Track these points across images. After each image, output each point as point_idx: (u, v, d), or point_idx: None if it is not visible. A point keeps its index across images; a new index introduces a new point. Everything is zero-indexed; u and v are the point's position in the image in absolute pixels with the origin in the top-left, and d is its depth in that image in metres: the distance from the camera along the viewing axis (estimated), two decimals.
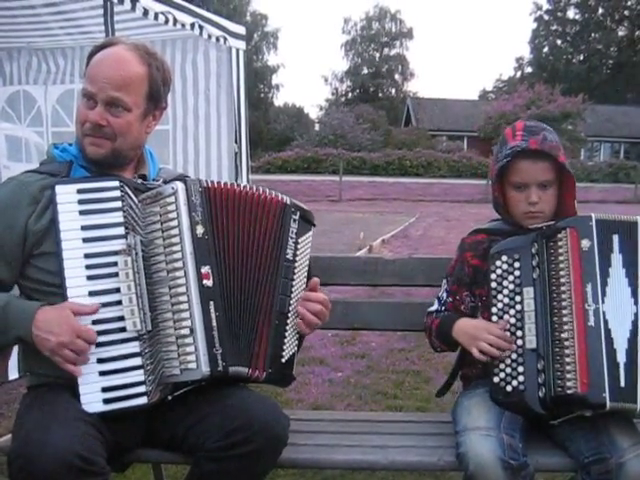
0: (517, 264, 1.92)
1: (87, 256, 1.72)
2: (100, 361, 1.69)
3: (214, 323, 1.74)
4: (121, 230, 1.75)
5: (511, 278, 1.92)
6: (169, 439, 1.83)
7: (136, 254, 1.73)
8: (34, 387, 1.84)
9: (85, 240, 1.73)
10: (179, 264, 1.74)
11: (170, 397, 1.79)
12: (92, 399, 1.68)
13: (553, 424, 1.88)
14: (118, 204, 1.76)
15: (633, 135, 40.33)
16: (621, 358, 1.80)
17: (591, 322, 1.79)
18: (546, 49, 52.79)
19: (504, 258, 1.93)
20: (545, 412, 1.84)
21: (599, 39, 49.98)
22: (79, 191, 1.75)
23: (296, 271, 1.87)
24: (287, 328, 1.86)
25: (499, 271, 1.93)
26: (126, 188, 1.78)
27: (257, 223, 1.85)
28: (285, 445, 1.80)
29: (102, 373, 1.70)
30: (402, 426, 2.19)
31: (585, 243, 1.84)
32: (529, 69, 53.94)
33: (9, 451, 1.58)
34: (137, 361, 1.72)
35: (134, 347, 1.72)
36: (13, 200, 1.79)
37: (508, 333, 1.90)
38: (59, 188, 1.75)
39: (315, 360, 4.46)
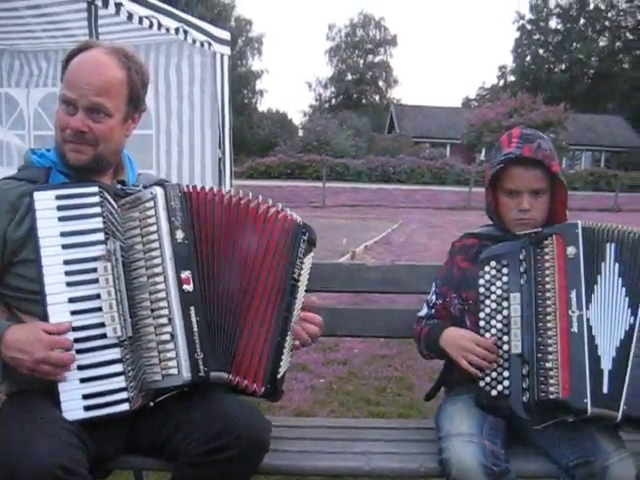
0: (505, 270, 1.93)
1: (67, 262, 1.71)
2: (81, 368, 1.68)
3: (195, 328, 1.73)
4: (101, 236, 1.74)
5: (499, 284, 1.94)
6: (150, 445, 1.82)
7: (116, 260, 1.72)
8: (14, 394, 1.82)
9: (64, 247, 1.72)
10: (159, 269, 1.72)
11: (152, 403, 1.78)
12: (73, 406, 1.67)
13: (537, 429, 1.89)
14: (97, 210, 1.75)
15: (614, 144, 40.78)
16: (606, 365, 1.81)
17: (574, 328, 1.81)
18: (529, 58, 53.25)
19: (493, 264, 1.95)
20: (529, 417, 1.85)
21: (580, 49, 50.48)
22: (58, 197, 1.74)
23: (299, 290, 1.87)
24: (286, 345, 1.85)
25: (487, 277, 1.95)
26: (105, 194, 1.77)
27: (257, 236, 1.83)
28: (267, 450, 1.80)
29: (83, 380, 1.68)
30: (384, 433, 2.19)
31: (571, 250, 1.86)
32: (512, 77, 54.42)
33: None
34: (118, 367, 1.70)
35: (115, 353, 1.71)
36: None
37: (495, 347, 1.91)
38: (37, 195, 1.73)
39: (297, 366, 4.44)
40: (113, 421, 1.71)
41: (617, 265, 1.86)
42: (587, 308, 1.83)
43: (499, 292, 1.93)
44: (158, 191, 1.75)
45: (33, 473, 1.48)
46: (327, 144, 34.73)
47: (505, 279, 1.93)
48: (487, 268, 1.95)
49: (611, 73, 47.94)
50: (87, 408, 1.68)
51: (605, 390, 1.80)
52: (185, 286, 1.73)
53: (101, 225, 1.74)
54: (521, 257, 1.92)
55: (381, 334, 2.60)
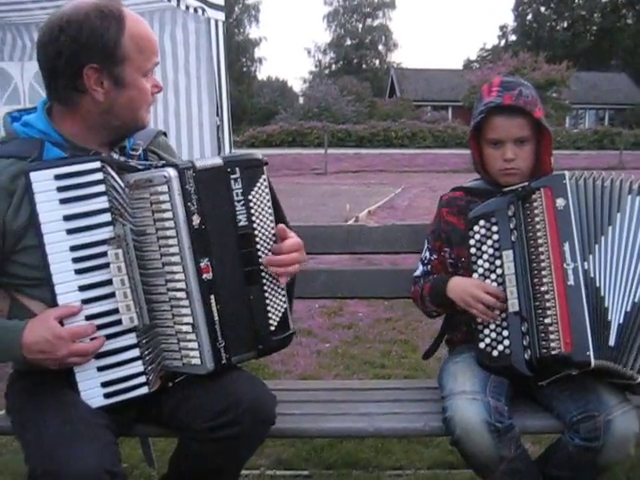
0: (495, 228, 1.90)
1: (73, 249, 1.61)
2: (97, 356, 1.63)
3: (216, 317, 1.67)
4: (107, 217, 1.62)
5: (490, 242, 1.91)
6: (156, 415, 1.81)
7: (127, 245, 1.62)
8: (22, 373, 1.78)
9: (69, 231, 1.61)
10: (176, 258, 1.64)
11: (171, 384, 1.76)
12: (93, 395, 1.64)
13: (541, 385, 1.88)
14: (101, 188, 1.63)
15: (618, 102, 40.39)
16: (615, 318, 1.78)
17: (571, 281, 1.78)
18: (530, 16, 52.54)
19: (482, 223, 1.92)
20: (532, 374, 1.84)
21: (583, 5, 49.76)
22: (57, 177, 1.60)
23: (257, 232, 1.73)
24: (266, 296, 1.76)
25: (477, 236, 1.92)
26: (108, 169, 1.64)
27: (216, 198, 1.69)
28: (272, 424, 1.77)
29: (100, 369, 1.64)
30: (388, 393, 2.19)
31: (560, 202, 1.82)
32: (513, 37, 53.74)
33: (31, 465, 1.52)
34: (135, 352, 1.66)
35: (131, 339, 1.65)
36: None
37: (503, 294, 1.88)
38: (34, 175, 1.59)
39: (302, 331, 4.45)
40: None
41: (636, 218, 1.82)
42: (585, 260, 1.80)
43: (491, 251, 1.90)
44: (172, 174, 1.62)
45: None
46: (328, 110, 34.55)
47: (496, 237, 1.90)
48: (476, 228, 1.92)
49: (614, 29, 47.31)
50: (107, 395, 1.64)
51: (612, 343, 1.77)
52: (205, 275, 1.66)
53: (107, 204, 1.62)
54: (510, 213, 1.88)
55: (384, 295, 2.59)
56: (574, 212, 1.81)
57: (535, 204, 1.85)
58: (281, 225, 1.77)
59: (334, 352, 4.11)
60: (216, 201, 1.69)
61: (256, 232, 1.73)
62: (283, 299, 1.79)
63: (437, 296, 2.03)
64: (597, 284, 1.80)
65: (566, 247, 1.79)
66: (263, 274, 1.75)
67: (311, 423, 1.97)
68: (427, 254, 2.14)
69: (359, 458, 2.74)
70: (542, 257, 1.82)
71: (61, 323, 1.60)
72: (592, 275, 1.80)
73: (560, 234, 1.81)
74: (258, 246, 1.73)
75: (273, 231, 1.76)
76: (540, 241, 1.83)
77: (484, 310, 1.89)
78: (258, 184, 1.73)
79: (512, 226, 1.88)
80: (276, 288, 1.77)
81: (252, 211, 1.72)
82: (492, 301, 1.88)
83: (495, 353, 1.89)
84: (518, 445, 1.81)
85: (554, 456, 1.87)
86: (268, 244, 1.75)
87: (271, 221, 1.76)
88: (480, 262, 1.92)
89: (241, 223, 1.71)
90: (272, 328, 1.76)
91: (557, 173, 1.89)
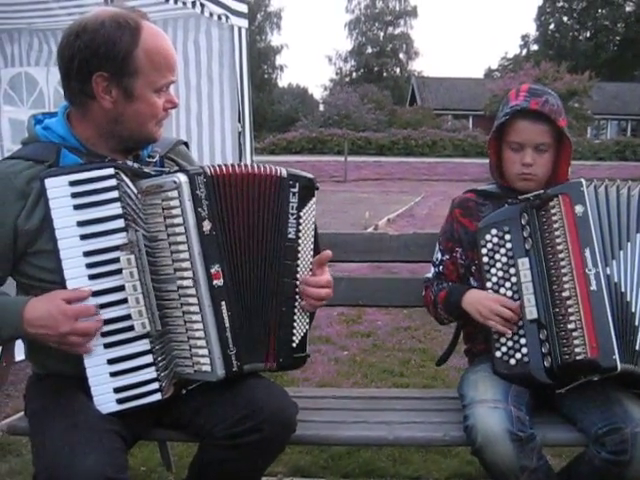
0: (508, 236, 1.92)
1: (87, 254, 1.61)
2: (110, 362, 1.63)
3: (227, 324, 1.67)
4: (121, 223, 1.63)
5: (503, 251, 1.92)
6: (175, 421, 1.82)
7: (139, 250, 1.62)
8: (41, 377, 1.81)
9: (83, 237, 1.62)
10: (186, 264, 1.65)
11: (184, 391, 1.76)
12: (105, 400, 1.64)
13: (560, 394, 1.86)
14: (115, 194, 1.63)
15: None
16: None
17: (593, 286, 1.78)
18: (552, 26, 52.20)
19: (494, 232, 1.93)
20: (552, 381, 1.83)
21: (606, 15, 49.36)
22: (71, 183, 1.62)
23: (300, 249, 1.78)
24: (295, 312, 1.79)
25: (490, 245, 1.94)
26: (122, 175, 1.65)
27: (257, 205, 1.73)
28: (293, 432, 1.77)
29: (113, 374, 1.63)
30: (407, 403, 2.19)
31: (579, 209, 1.83)
32: (535, 47, 53.41)
33: (36, 470, 1.54)
34: (148, 359, 1.65)
35: (144, 345, 1.65)
36: None
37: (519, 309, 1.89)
38: (49, 182, 1.61)
39: (321, 339, 4.45)
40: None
41: None
42: (607, 265, 1.80)
43: (504, 259, 1.91)
44: (182, 179, 1.64)
45: None
46: (348, 118, 34.52)
47: (509, 245, 1.91)
48: (488, 237, 1.94)
49: (638, 39, 46.86)
50: (120, 401, 1.64)
51: (638, 347, 1.77)
52: (215, 281, 1.67)
53: (120, 211, 1.63)
54: (523, 222, 1.90)
55: (403, 303, 2.58)
56: (593, 219, 1.82)
57: (553, 211, 1.86)
58: (327, 253, 1.82)
59: (352, 360, 4.10)
60: (247, 206, 1.71)
61: (299, 248, 1.77)
62: (307, 320, 1.83)
63: (451, 305, 2.03)
64: (622, 289, 1.80)
65: (587, 253, 1.80)
66: (297, 290, 1.78)
67: (330, 431, 1.96)
68: (439, 255, 2.15)
69: (377, 467, 2.73)
70: (562, 263, 1.83)
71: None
72: (616, 280, 1.80)
73: (580, 240, 1.81)
74: (299, 262, 1.78)
75: (311, 254, 1.81)
76: (560, 247, 1.83)
77: (502, 322, 1.89)
78: (309, 204, 1.79)
79: (526, 234, 1.89)
80: (303, 308, 1.81)
81: (300, 227, 1.76)
82: (509, 314, 1.88)
83: (512, 361, 1.88)
84: (540, 456, 1.79)
85: (578, 469, 1.86)
86: (307, 265, 1.80)
87: (312, 242, 1.81)
88: (493, 271, 1.93)
89: (290, 235, 1.75)
90: (294, 345, 1.79)
91: (574, 181, 1.91)
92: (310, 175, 1.82)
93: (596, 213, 1.83)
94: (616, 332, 1.76)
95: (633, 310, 1.79)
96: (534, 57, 41.20)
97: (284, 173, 1.76)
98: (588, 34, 50.61)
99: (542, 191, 1.91)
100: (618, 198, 1.86)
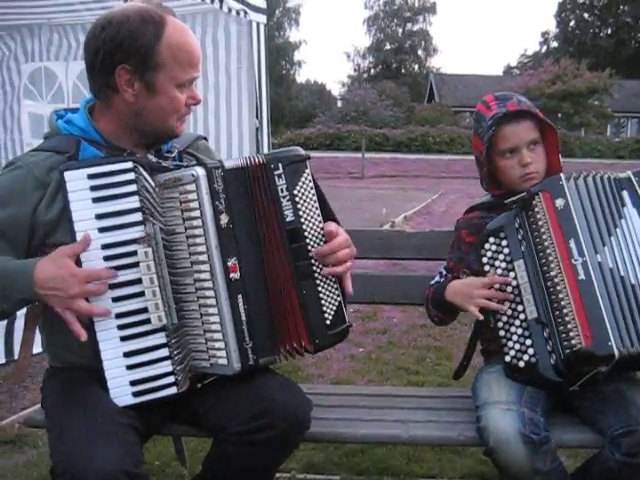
0: (504, 242, 1.92)
1: (105, 247, 1.62)
2: (126, 355, 1.64)
3: (243, 317, 1.67)
4: (138, 216, 1.63)
5: (502, 257, 1.92)
6: (190, 416, 1.82)
7: (156, 244, 1.63)
8: (57, 370, 1.82)
9: (101, 230, 1.62)
10: (204, 257, 1.65)
11: (199, 385, 1.76)
12: (121, 393, 1.64)
13: (576, 394, 1.85)
14: (133, 188, 1.64)
15: None
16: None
17: (582, 275, 1.77)
18: (572, 23, 51.81)
19: (491, 240, 1.94)
20: (561, 379, 1.81)
21: (628, 12, 48.86)
22: (90, 176, 1.63)
23: (305, 227, 1.72)
24: (319, 289, 1.73)
25: (489, 253, 1.94)
26: (140, 169, 1.66)
27: (253, 195, 1.71)
28: (307, 429, 1.77)
29: (129, 367, 1.64)
30: (423, 401, 2.17)
31: (559, 202, 1.83)
32: (555, 44, 53.07)
33: (53, 464, 1.54)
34: (164, 352, 1.66)
35: (160, 338, 1.65)
36: (17, 187, 1.68)
37: (501, 278, 1.89)
38: (68, 175, 1.62)
39: None
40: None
41: (636, 210, 1.85)
42: (597, 253, 1.79)
43: (504, 265, 1.91)
44: (200, 173, 1.64)
45: None
46: (366, 114, 34.51)
47: (506, 251, 1.91)
48: (487, 245, 1.94)
49: None
50: (136, 394, 1.65)
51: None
52: (232, 274, 1.66)
53: (138, 204, 1.64)
54: (516, 225, 1.91)
55: (419, 301, 2.56)
56: (575, 210, 1.82)
57: (537, 209, 1.86)
58: (331, 227, 1.77)
59: (368, 357, 4.10)
60: (254, 199, 1.71)
61: (304, 226, 1.73)
62: (337, 292, 1.78)
63: (437, 301, 2.05)
64: (621, 273, 1.79)
65: (572, 244, 1.80)
66: (315, 268, 1.74)
67: (345, 428, 1.96)
68: (444, 271, 2.14)
69: (390, 465, 2.73)
70: (550, 258, 1.82)
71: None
72: (610, 266, 1.79)
73: (564, 232, 1.82)
74: (308, 240, 1.73)
75: (321, 225, 1.76)
76: (546, 243, 1.84)
77: (485, 304, 1.88)
78: (302, 179, 1.73)
79: (520, 237, 1.90)
80: (329, 282, 1.76)
81: (298, 206, 1.72)
82: (492, 294, 1.88)
83: (521, 364, 1.87)
84: (554, 459, 1.78)
85: (593, 470, 1.84)
86: (318, 237, 1.75)
87: (318, 215, 1.76)
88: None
89: (288, 219, 1.71)
90: (327, 322, 1.75)
91: (553, 177, 1.92)
92: (295, 148, 1.76)
93: (579, 204, 1.84)
94: (615, 317, 1.74)
95: (629, 295, 1.77)
96: (554, 54, 40.97)
97: (263, 159, 1.72)
98: (609, 31, 50.17)
99: (524, 193, 1.91)
100: (596, 186, 1.87)
